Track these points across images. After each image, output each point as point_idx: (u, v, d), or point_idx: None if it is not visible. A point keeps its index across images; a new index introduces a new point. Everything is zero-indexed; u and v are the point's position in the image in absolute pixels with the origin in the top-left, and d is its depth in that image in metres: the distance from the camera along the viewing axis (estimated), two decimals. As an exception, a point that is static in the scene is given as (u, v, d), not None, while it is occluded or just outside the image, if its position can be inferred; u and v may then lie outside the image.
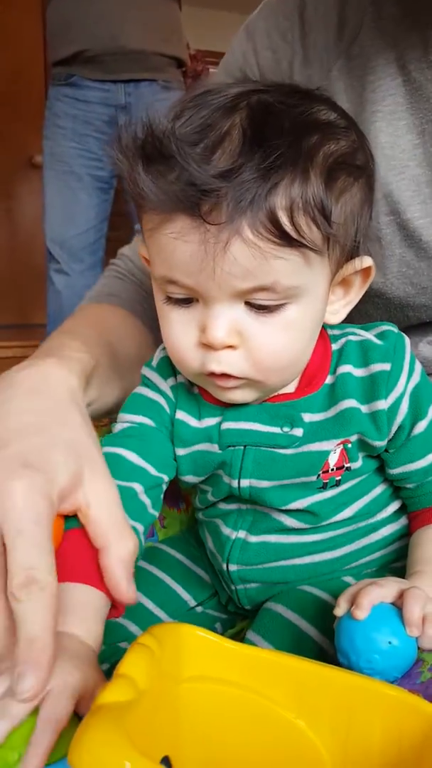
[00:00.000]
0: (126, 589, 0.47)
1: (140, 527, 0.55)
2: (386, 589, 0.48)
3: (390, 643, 0.45)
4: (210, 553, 0.66)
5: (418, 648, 0.47)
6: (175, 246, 0.47)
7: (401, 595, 0.48)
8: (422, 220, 0.67)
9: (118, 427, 0.61)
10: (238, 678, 0.42)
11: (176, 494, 0.79)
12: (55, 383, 0.54)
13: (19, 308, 3.36)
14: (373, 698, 0.39)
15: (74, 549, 0.48)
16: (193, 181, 0.44)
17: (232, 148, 0.45)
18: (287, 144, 0.45)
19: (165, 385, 0.61)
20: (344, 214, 0.49)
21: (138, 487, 0.56)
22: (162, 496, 0.60)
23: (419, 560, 0.56)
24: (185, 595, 0.67)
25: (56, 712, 0.38)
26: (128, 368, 0.69)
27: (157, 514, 0.59)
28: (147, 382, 0.62)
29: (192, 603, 0.67)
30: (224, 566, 0.62)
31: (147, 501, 0.57)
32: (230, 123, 0.46)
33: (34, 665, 0.38)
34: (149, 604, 0.65)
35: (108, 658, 0.55)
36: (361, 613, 0.46)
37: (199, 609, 0.67)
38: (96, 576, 0.47)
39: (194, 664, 0.41)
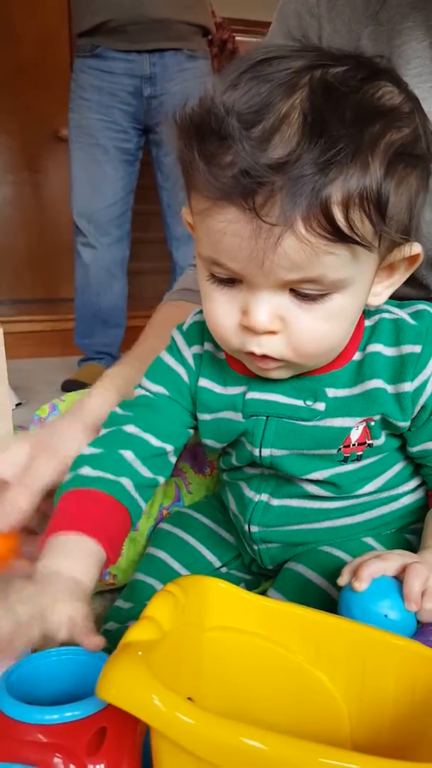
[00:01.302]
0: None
1: (127, 482, 0.58)
2: (389, 563, 0.49)
3: (386, 616, 0.47)
4: (232, 514, 0.68)
5: (418, 622, 0.48)
6: (223, 233, 0.46)
7: (404, 569, 0.49)
8: None
9: (136, 392, 0.63)
10: (259, 629, 0.44)
11: (202, 460, 0.81)
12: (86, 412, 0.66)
13: (48, 283, 3.38)
14: (387, 649, 0.41)
15: (75, 504, 0.55)
16: (248, 171, 0.42)
17: (290, 134, 0.43)
18: (349, 136, 0.43)
19: (188, 353, 0.62)
20: (399, 206, 0.48)
21: (129, 455, 0.59)
22: (170, 462, 0.63)
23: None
24: (210, 557, 0.69)
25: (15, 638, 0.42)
26: None
27: (160, 479, 0.62)
28: (172, 347, 0.64)
29: (217, 564, 0.69)
30: (246, 527, 0.63)
31: (142, 468, 0.59)
32: (290, 104, 0.44)
33: None
34: (175, 565, 0.67)
35: (135, 616, 0.58)
36: (360, 585, 0.47)
37: (224, 570, 0.69)
38: (93, 528, 0.52)
39: (217, 614, 0.43)
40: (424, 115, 0.51)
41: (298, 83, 0.45)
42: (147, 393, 0.63)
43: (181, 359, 0.62)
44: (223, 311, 0.52)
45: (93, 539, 0.51)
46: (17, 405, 1.98)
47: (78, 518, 0.53)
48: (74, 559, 0.50)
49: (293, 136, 0.43)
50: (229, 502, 0.68)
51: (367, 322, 0.58)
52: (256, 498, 0.63)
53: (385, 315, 0.58)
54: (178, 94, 1.76)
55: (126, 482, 0.57)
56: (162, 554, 0.67)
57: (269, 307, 0.49)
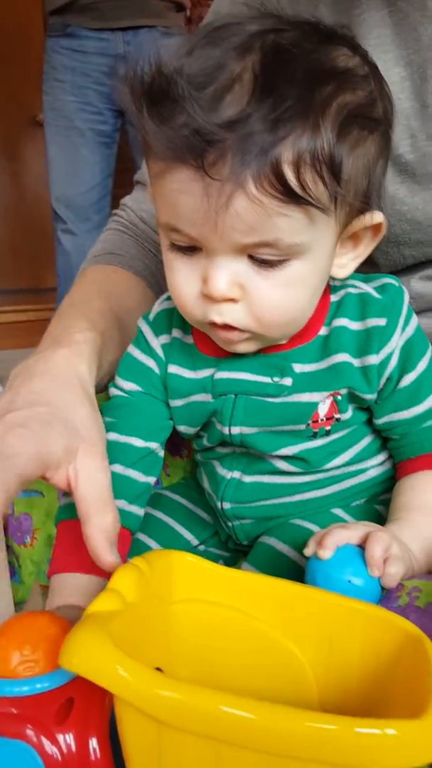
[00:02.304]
0: (104, 556, 0.49)
1: (121, 503, 0.57)
2: (352, 532, 0.50)
3: (350, 581, 0.47)
4: (207, 493, 0.68)
5: (382, 588, 0.49)
6: (177, 197, 0.47)
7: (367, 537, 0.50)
8: (413, 155, 0.66)
9: (111, 392, 0.63)
10: (227, 599, 0.44)
11: (178, 443, 0.81)
12: (66, 373, 0.57)
13: (32, 272, 3.37)
14: (353, 616, 0.42)
15: (71, 540, 0.54)
16: (198, 130, 0.42)
17: (241, 94, 0.43)
18: (299, 94, 0.43)
19: (156, 343, 0.62)
20: (355, 169, 0.48)
21: (117, 468, 0.59)
22: (159, 458, 0.63)
23: (399, 508, 0.58)
24: (188, 536, 0.69)
25: None
26: (133, 333, 0.70)
27: (152, 480, 0.62)
28: (139, 339, 0.63)
29: (195, 542, 0.69)
30: (219, 504, 0.64)
31: (133, 474, 0.60)
32: (242, 66, 0.44)
33: None
34: (153, 545, 0.67)
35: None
36: (324, 553, 0.48)
37: (202, 548, 0.70)
38: (90, 563, 0.50)
39: (184, 587, 0.44)
40: (383, 81, 0.51)
41: (252, 46, 0.45)
42: (121, 393, 0.63)
43: (149, 350, 0.62)
44: (183, 280, 0.51)
45: (94, 576, 0.54)
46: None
47: (76, 556, 0.53)
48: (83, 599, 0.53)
49: (244, 95, 0.43)
50: (203, 481, 0.68)
51: (333, 297, 0.58)
52: (228, 476, 0.63)
53: (351, 290, 0.58)
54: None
55: (120, 503, 0.57)
56: (140, 535, 0.68)
57: (227, 273, 0.49)
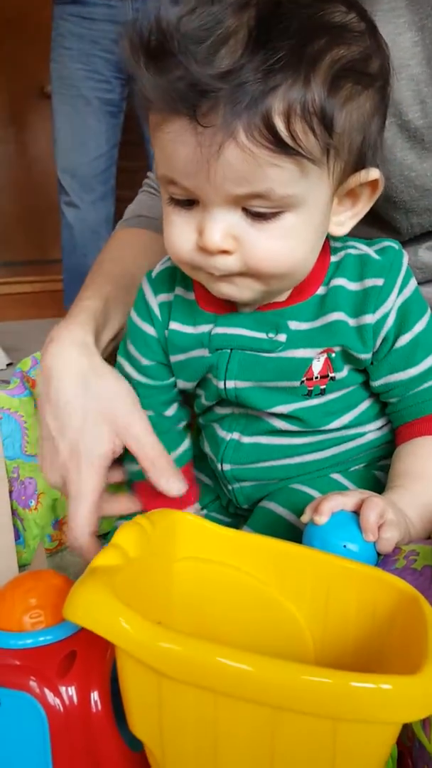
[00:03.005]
0: (168, 484, 0.62)
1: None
2: (348, 498, 0.51)
3: (345, 546, 0.48)
4: (208, 456, 0.69)
5: (378, 554, 0.50)
6: (173, 147, 0.47)
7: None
8: (422, 120, 0.65)
9: (121, 361, 0.67)
10: (227, 558, 0.45)
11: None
12: (77, 361, 0.63)
13: (38, 244, 3.35)
14: (349, 576, 0.43)
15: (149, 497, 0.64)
16: (193, 83, 0.43)
17: (235, 47, 0.44)
18: (291, 46, 0.44)
19: (154, 302, 0.63)
20: (349, 123, 0.48)
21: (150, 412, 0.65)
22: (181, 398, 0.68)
23: (398, 474, 0.58)
24: (190, 500, 0.70)
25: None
26: None
27: (184, 423, 0.69)
28: (138, 301, 0.65)
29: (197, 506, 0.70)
30: (219, 466, 0.65)
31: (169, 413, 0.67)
32: (238, 22, 0.45)
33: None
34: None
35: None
36: (320, 519, 0.49)
37: (203, 512, 0.71)
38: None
39: (186, 545, 0.45)
40: (380, 38, 0.51)
41: (249, 3, 0.45)
42: (131, 369, 0.66)
43: (147, 314, 0.64)
44: (181, 232, 0.52)
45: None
46: (8, 365, 1.99)
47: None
48: None
49: (238, 48, 0.44)
50: (204, 444, 0.69)
51: (333, 258, 0.59)
52: (228, 437, 0.64)
53: (351, 251, 0.59)
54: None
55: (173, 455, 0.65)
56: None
57: (222, 225, 0.49)
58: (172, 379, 0.65)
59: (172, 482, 0.62)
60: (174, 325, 0.62)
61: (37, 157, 3.26)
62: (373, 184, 0.54)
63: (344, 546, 0.48)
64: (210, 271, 0.52)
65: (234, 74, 0.43)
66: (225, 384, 0.60)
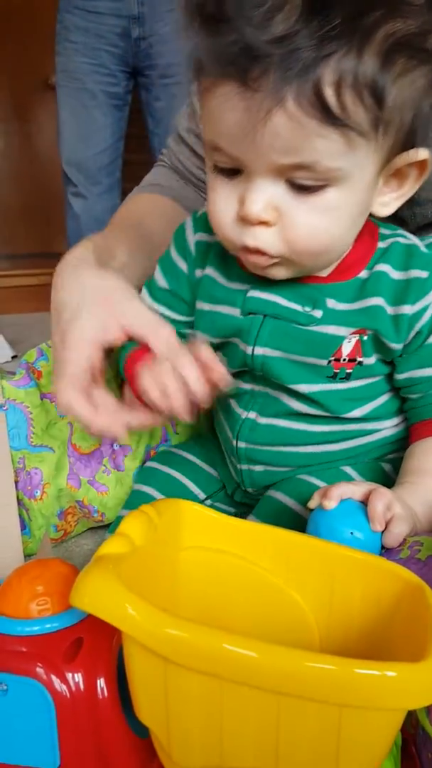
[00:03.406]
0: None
1: None
2: (357, 487, 0.51)
3: (352, 534, 0.48)
4: (219, 428, 0.69)
5: (383, 547, 0.50)
6: (221, 110, 0.47)
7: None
8: None
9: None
10: (232, 548, 0.46)
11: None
12: (76, 272, 0.62)
13: (43, 236, 3.35)
14: (354, 565, 0.43)
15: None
16: (246, 47, 0.43)
17: (291, 13, 0.43)
18: (347, 15, 0.43)
19: (192, 239, 0.63)
20: (400, 99, 0.46)
21: None
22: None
23: (409, 471, 0.58)
24: (195, 489, 0.71)
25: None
26: (159, 243, 0.71)
27: None
28: (178, 235, 0.65)
29: (202, 496, 0.71)
30: (234, 443, 0.65)
31: None
32: None
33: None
34: (161, 498, 0.69)
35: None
36: (329, 503, 0.49)
37: (209, 502, 0.71)
38: None
39: (191, 535, 0.45)
40: None
41: None
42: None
43: (183, 249, 0.64)
44: (223, 201, 0.52)
45: None
46: (13, 357, 1.99)
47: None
48: None
49: (293, 14, 0.43)
50: (219, 417, 0.69)
51: (381, 244, 0.59)
52: (244, 415, 0.64)
53: (400, 239, 0.58)
54: (167, 35, 1.72)
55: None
56: (148, 489, 0.69)
57: (264, 195, 0.49)
58: (185, 318, 0.65)
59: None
60: (209, 271, 0.62)
61: (42, 149, 3.25)
62: (422, 164, 0.52)
63: (350, 533, 0.48)
64: (246, 242, 0.51)
65: (287, 40, 0.42)
66: (254, 350, 0.60)
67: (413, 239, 0.59)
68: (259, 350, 0.60)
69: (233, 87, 0.45)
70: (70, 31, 1.81)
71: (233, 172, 0.51)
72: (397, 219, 0.71)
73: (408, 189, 0.55)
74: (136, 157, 2.16)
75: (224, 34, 0.44)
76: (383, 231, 0.59)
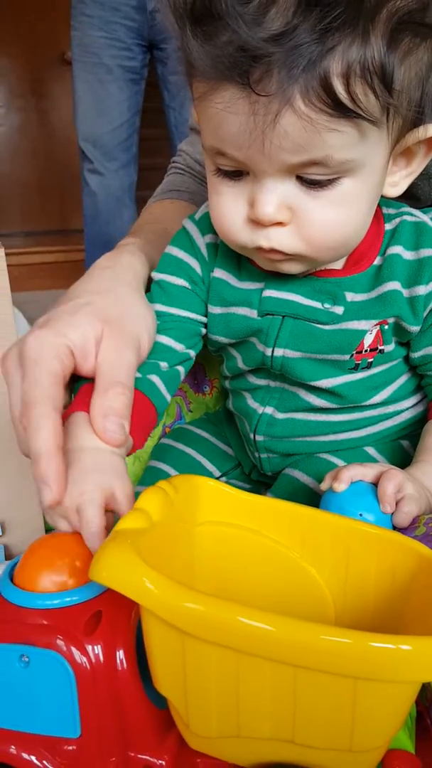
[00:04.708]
0: (102, 429, 0.47)
1: (155, 378, 0.57)
2: (368, 469, 0.51)
3: (361, 515, 0.49)
4: (237, 418, 0.68)
5: (394, 527, 0.50)
6: (223, 117, 0.45)
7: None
8: None
9: (156, 277, 0.61)
10: (248, 523, 0.46)
11: (201, 380, 0.83)
12: (122, 265, 0.58)
13: (59, 213, 3.35)
14: (369, 540, 0.43)
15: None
16: (243, 46, 0.41)
17: (286, 7, 0.40)
18: (347, 2, 0.40)
19: (201, 242, 0.61)
20: (407, 79, 0.45)
21: (163, 365, 0.58)
22: (185, 371, 0.62)
23: (425, 449, 0.58)
24: (210, 466, 0.71)
25: (94, 524, 0.43)
26: None
27: (192, 353, 0.61)
28: (181, 238, 0.62)
29: (217, 473, 0.71)
30: (251, 436, 0.64)
31: (179, 369, 0.60)
32: None
33: (42, 479, 0.43)
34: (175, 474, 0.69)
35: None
36: (339, 486, 0.49)
37: (224, 479, 0.72)
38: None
39: (208, 510, 0.46)
40: None
41: None
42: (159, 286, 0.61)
43: (193, 250, 0.61)
44: (230, 205, 0.50)
45: None
46: (31, 334, 1.99)
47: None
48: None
49: (290, 6, 0.41)
50: (234, 409, 0.68)
51: (388, 226, 0.57)
52: (261, 410, 0.63)
53: (407, 217, 0.57)
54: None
55: (154, 379, 0.57)
56: (163, 466, 0.70)
57: (276, 196, 0.47)
58: (204, 318, 0.62)
59: (113, 426, 0.48)
60: (219, 273, 0.60)
61: (58, 125, 3.24)
62: (430, 141, 0.51)
63: (360, 515, 0.48)
64: (260, 244, 0.50)
65: (287, 36, 0.40)
66: (273, 352, 0.58)
67: (420, 215, 0.57)
68: (279, 351, 0.58)
69: (234, 91, 0.43)
70: (85, 4, 1.79)
71: (238, 173, 0.49)
72: (412, 195, 0.70)
73: (416, 166, 0.53)
74: (152, 132, 2.15)
75: (217, 35, 0.42)
76: (387, 211, 0.58)
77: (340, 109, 0.43)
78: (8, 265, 0.63)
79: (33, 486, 0.68)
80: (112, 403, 0.48)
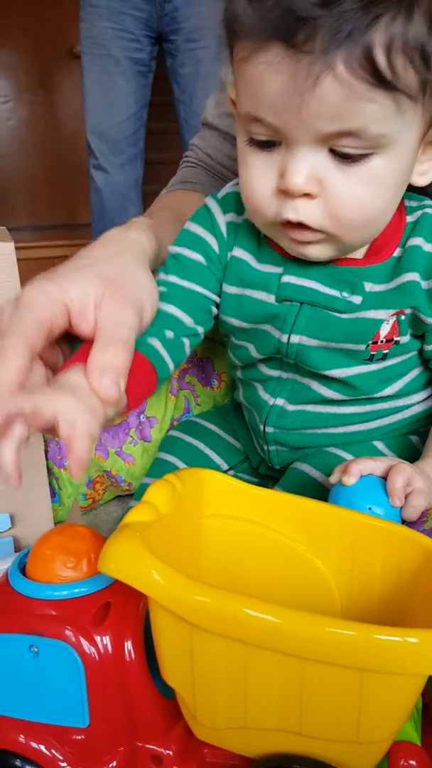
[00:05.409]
0: (98, 385, 0.44)
1: (156, 342, 0.55)
2: (378, 463, 0.51)
3: (370, 509, 0.49)
4: (246, 409, 0.68)
5: (402, 521, 0.50)
6: (264, 78, 0.45)
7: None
8: None
9: (173, 251, 0.61)
10: (255, 516, 0.46)
11: (209, 374, 0.83)
12: (129, 238, 0.57)
13: (66, 208, 3.35)
14: (375, 533, 0.43)
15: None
16: (291, 7, 0.41)
17: None
18: None
19: (221, 219, 0.60)
20: None
21: (169, 333, 0.57)
22: (191, 345, 0.60)
23: None
24: (218, 460, 0.71)
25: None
26: None
27: (200, 329, 0.60)
28: (201, 215, 0.61)
29: (225, 467, 0.71)
30: (261, 428, 0.64)
31: (185, 342, 0.59)
32: None
33: None
34: (183, 467, 0.69)
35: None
36: (349, 479, 0.50)
37: (231, 473, 0.72)
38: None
39: (215, 502, 0.46)
40: None
41: None
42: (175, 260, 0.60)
43: (212, 228, 0.61)
44: (260, 175, 0.50)
45: None
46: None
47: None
48: None
49: None
50: (243, 400, 0.68)
51: (409, 218, 0.57)
52: (272, 401, 0.63)
53: (428, 210, 0.57)
54: (193, -2, 1.68)
55: (155, 343, 0.55)
56: (171, 458, 0.70)
57: (307, 166, 0.47)
58: (216, 297, 0.61)
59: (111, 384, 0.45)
60: (238, 252, 0.60)
61: (66, 119, 3.23)
62: None
63: (369, 508, 0.48)
64: (288, 216, 0.49)
65: (334, 2, 0.41)
66: (289, 339, 0.58)
67: None
68: (295, 338, 0.58)
69: (278, 52, 0.43)
70: (93, -6, 1.78)
71: (269, 144, 0.49)
72: (422, 189, 0.69)
73: None
74: (160, 126, 2.14)
75: None
76: (409, 203, 0.58)
77: (379, 80, 0.43)
78: (16, 259, 0.63)
79: (42, 478, 0.69)
80: (111, 359, 0.46)
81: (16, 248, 0.62)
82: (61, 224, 3.30)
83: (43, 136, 3.28)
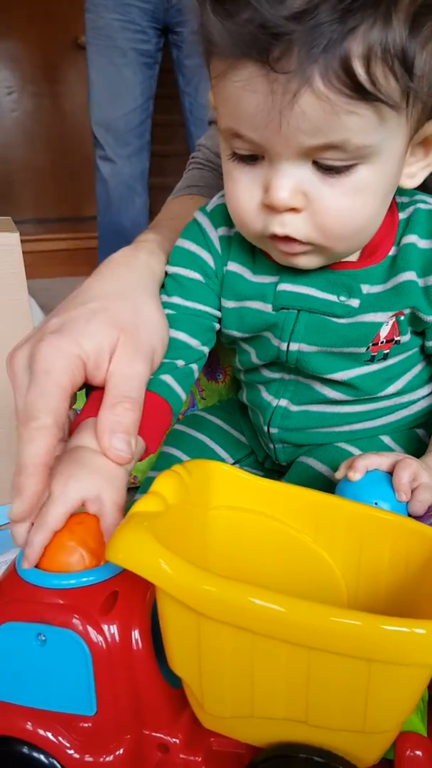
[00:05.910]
0: (108, 446, 0.47)
1: (167, 378, 0.56)
2: (383, 458, 0.51)
3: (376, 504, 0.49)
4: (251, 410, 0.69)
5: (409, 516, 0.50)
6: (240, 96, 0.44)
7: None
8: None
9: (170, 270, 0.60)
10: (262, 507, 0.46)
11: (214, 368, 0.83)
12: (139, 264, 0.57)
13: (72, 200, 3.35)
14: (382, 525, 0.43)
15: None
16: (264, 24, 0.40)
17: None
18: None
19: (214, 234, 0.60)
20: (428, 65, 0.44)
21: (179, 363, 0.58)
22: (198, 369, 0.61)
23: None
24: (223, 453, 0.71)
25: (49, 515, 0.42)
26: None
27: (206, 349, 0.61)
28: (192, 230, 0.61)
29: (230, 461, 0.72)
30: (265, 428, 0.64)
31: (194, 368, 0.60)
32: None
33: (18, 491, 0.42)
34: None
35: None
36: (354, 475, 0.50)
37: (237, 466, 0.71)
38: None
39: (221, 494, 0.46)
40: None
41: None
42: (173, 279, 0.60)
43: (205, 243, 0.60)
44: (244, 190, 0.49)
45: None
46: (43, 321, 2.00)
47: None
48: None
49: None
50: (247, 401, 0.68)
51: (402, 215, 0.56)
52: (275, 403, 0.63)
53: (420, 205, 0.56)
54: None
55: (167, 378, 0.56)
56: (176, 452, 0.70)
57: (291, 181, 0.46)
58: (218, 313, 0.61)
59: (119, 442, 0.47)
60: (233, 266, 0.59)
61: (71, 111, 3.23)
62: None
63: (375, 503, 0.49)
64: (274, 230, 0.49)
65: (309, 15, 0.40)
66: (288, 346, 0.58)
67: None
68: (294, 346, 0.58)
69: (253, 69, 0.42)
70: (98, -16, 1.77)
71: (253, 157, 0.48)
72: (425, 188, 0.69)
73: None
74: (166, 118, 2.14)
75: (238, 12, 0.41)
76: (400, 199, 0.57)
77: (359, 91, 0.42)
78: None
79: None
80: (120, 418, 0.47)
81: (21, 241, 0.62)
82: (65, 217, 3.30)
83: (47, 128, 3.27)
